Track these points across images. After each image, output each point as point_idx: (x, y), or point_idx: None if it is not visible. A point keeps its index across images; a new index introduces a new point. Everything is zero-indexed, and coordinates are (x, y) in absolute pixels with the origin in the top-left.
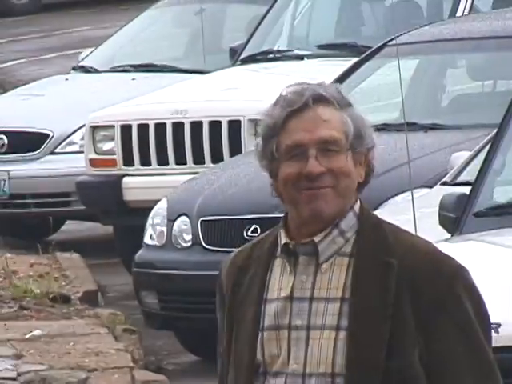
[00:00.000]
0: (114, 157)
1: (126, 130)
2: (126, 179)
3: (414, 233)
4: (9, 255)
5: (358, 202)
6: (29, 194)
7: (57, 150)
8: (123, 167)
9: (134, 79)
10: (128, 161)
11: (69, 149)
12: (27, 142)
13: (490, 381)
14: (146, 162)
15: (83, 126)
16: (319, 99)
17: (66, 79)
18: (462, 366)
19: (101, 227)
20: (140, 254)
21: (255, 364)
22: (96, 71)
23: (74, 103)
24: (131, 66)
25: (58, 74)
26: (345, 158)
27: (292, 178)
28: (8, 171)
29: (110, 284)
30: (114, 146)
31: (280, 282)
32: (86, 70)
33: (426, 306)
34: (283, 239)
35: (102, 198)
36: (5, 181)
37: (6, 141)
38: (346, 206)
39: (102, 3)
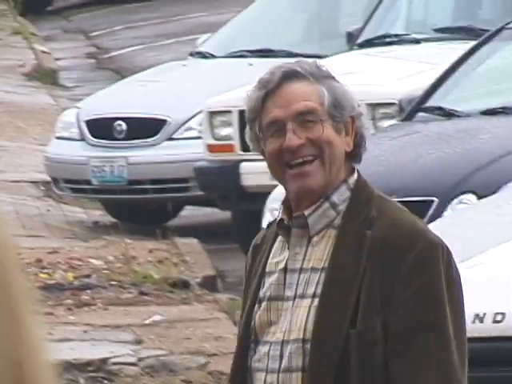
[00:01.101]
0: (232, 142)
1: (243, 115)
2: (243, 164)
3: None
4: (128, 241)
5: (355, 174)
6: (147, 179)
7: (175, 136)
8: (241, 152)
9: (251, 64)
10: (245, 146)
11: (186, 134)
12: (145, 128)
13: (444, 356)
14: None
15: (201, 111)
16: (292, 75)
17: (184, 65)
18: (418, 339)
19: (219, 212)
20: None
21: (250, 333)
22: (213, 57)
23: (191, 89)
24: (248, 51)
25: (175, 59)
26: (324, 126)
27: (274, 153)
28: (126, 157)
29: (229, 269)
30: (231, 131)
31: (278, 255)
32: (204, 55)
33: (395, 277)
34: (280, 215)
35: (220, 183)
36: (123, 167)
37: (124, 127)
38: (337, 177)
39: None
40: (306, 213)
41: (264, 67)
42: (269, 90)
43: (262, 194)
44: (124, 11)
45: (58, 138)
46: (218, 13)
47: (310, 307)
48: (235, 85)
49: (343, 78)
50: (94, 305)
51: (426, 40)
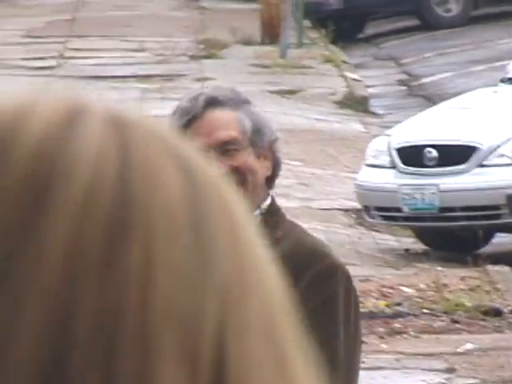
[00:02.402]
0: None
1: None
2: None
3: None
4: (439, 268)
5: (268, 199)
6: (458, 207)
7: (485, 163)
8: None
9: None
10: None
11: (498, 161)
12: (456, 155)
13: (333, 378)
14: None
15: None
16: (213, 103)
17: (495, 91)
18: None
19: None
20: None
21: None
22: None
23: (502, 115)
24: None
25: (486, 86)
26: (246, 154)
27: None
28: (437, 184)
29: None
30: None
31: None
32: None
33: (292, 294)
34: None
35: None
36: (435, 194)
37: (435, 154)
38: (255, 203)
39: None
40: None
41: None
42: (191, 117)
43: None
44: (433, 38)
45: (368, 165)
46: None
47: None
48: None
49: None
50: (406, 333)
51: None
